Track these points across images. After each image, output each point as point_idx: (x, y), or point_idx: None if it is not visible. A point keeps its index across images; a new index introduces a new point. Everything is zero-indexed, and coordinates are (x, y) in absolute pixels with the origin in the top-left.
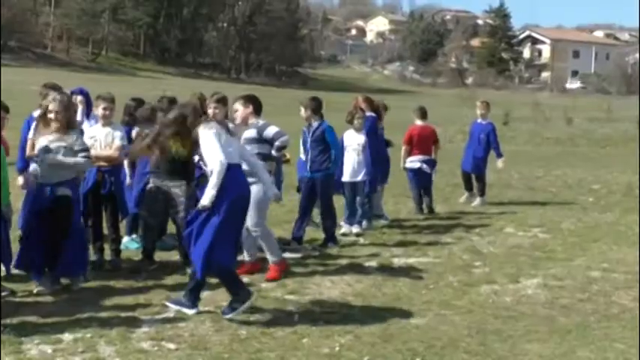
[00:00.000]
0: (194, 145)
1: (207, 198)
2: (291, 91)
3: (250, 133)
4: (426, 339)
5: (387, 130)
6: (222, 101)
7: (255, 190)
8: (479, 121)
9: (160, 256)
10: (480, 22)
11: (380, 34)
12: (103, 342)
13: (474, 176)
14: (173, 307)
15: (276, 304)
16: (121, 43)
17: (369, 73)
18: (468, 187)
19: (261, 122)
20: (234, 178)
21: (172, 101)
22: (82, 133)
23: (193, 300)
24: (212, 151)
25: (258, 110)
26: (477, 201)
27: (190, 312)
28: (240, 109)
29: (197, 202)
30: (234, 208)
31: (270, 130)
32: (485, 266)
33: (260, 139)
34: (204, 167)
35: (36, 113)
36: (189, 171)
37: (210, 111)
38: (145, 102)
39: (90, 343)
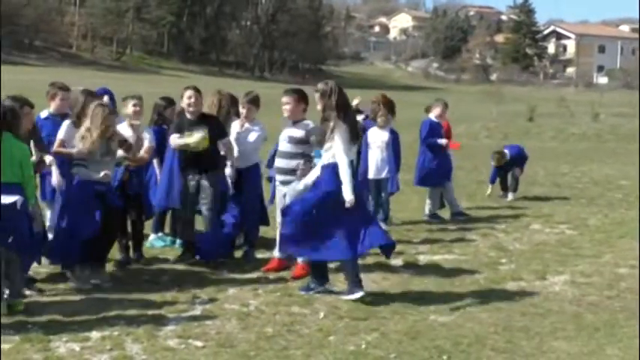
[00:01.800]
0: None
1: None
2: (315, 89)
3: (298, 133)
4: (453, 336)
5: (406, 127)
6: (255, 101)
7: (292, 185)
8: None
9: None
10: (503, 17)
11: (403, 31)
12: (130, 340)
13: (512, 172)
14: (306, 293)
15: (302, 302)
16: (145, 42)
17: (393, 70)
18: (504, 187)
19: (311, 125)
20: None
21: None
22: None
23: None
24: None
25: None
26: (511, 195)
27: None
28: (291, 104)
29: (222, 192)
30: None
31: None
32: (511, 263)
33: (306, 141)
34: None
35: (44, 114)
36: (215, 158)
37: (242, 110)
38: (175, 102)
39: (117, 341)
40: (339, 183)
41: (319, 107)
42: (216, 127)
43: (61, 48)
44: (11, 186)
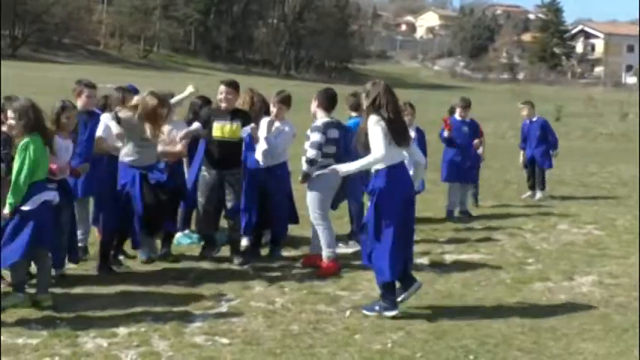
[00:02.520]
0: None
1: (345, 169)
2: (341, 87)
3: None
4: (479, 336)
5: (432, 126)
6: (286, 100)
7: (322, 180)
8: (528, 121)
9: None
10: (531, 16)
11: (430, 30)
12: (156, 336)
13: (539, 171)
14: (370, 313)
15: (328, 300)
16: (172, 40)
17: (419, 68)
18: (532, 186)
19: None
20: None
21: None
22: None
23: (391, 303)
24: (376, 141)
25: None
26: (539, 194)
27: (391, 313)
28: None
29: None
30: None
31: None
32: (538, 263)
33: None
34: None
35: None
36: (237, 157)
37: (273, 109)
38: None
39: (144, 337)
40: (391, 186)
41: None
42: (248, 122)
43: (89, 46)
44: (46, 183)
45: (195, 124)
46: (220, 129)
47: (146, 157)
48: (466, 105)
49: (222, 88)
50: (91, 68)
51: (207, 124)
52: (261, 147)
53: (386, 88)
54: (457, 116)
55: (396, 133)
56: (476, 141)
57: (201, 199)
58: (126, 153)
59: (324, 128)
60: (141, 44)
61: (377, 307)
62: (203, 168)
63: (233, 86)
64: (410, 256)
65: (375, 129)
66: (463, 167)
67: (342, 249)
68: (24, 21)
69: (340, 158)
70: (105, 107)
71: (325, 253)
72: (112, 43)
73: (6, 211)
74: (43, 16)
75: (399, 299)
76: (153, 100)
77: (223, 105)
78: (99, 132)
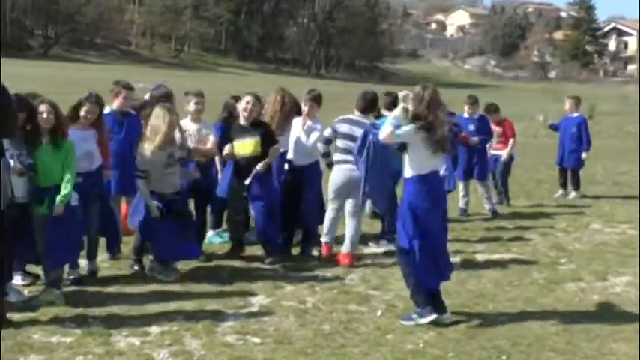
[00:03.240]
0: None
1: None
2: (372, 86)
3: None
4: (512, 336)
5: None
6: (317, 99)
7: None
8: (569, 115)
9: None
10: (563, 14)
11: (460, 28)
12: (189, 335)
13: (570, 171)
14: (408, 322)
15: (360, 299)
16: (202, 40)
17: (450, 67)
18: (563, 184)
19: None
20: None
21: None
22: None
23: (429, 309)
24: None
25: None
26: (573, 194)
27: (425, 320)
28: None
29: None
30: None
31: None
32: (571, 263)
33: None
34: None
35: (106, 110)
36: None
37: (304, 107)
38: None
39: (176, 336)
40: (423, 195)
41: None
42: (268, 133)
43: (121, 45)
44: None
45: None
46: (241, 147)
47: (167, 185)
48: (472, 102)
49: (247, 99)
50: (122, 68)
51: (230, 141)
52: (291, 147)
53: (433, 93)
54: (465, 114)
55: (434, 141)
56: (474, 139)
57: (230, 209)
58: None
59: (335, 123)
60: (172, 44)
61: (413, 316)
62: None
63: (256, 97)
64: (444, 270)
65: (409, 130)
66: (469, 166)
67: (373, 248)
68: (56, 21)
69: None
70: (142, 108)
71: (350, 244)
72: (143, 43)
73: (60, 208)
74: (75, 16)
75: (424, 320)
76: (158, 121)
77: (244, 120)
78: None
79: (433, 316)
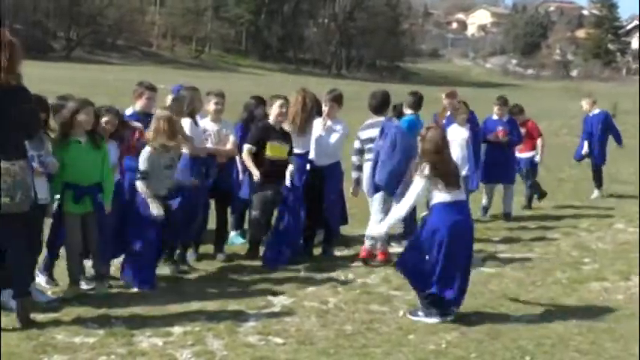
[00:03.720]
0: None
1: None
2: (393, 86)
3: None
4: (535, 337)
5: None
6: (337, 99)
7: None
8: (590, 114)
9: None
10: (585, 12)
11: (482, 27)
12: (211, 335)
13: (594, 167)
14: (414, 318)
15: (382, 300)
16: (223, 40)
17: (471, 66)
18: (599, 184)
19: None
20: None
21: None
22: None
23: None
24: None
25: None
26: (596, 193)
27: (432, 320)
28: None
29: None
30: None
31: None
32: (594, 263)
33: None
34: None
35: (129, 111)
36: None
37: (325, 108)
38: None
39: (198, 336)
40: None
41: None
42: (291, 139)
43: (142, 47)
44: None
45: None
46: (276, 149)
47: (162, 186)
48: (502, 103)
49: (280, 102)
50: (143, 69)
51: (259, 143)
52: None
53: (437, 132)
54: (494, 115)
55: (446, 176)
56: (490, 136)
57: (255, 212)
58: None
59: (358, 132)
60: (193, 45)
61: (419, 313)
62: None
63: (287, 99)
64: (456, 292)
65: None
66: (495, 167)
67: (395, 248)
68: (78, 23)
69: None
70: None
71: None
72: (164, 44)
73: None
74: (97, 18)
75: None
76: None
77: (277, 124)
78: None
79: (437, 320)
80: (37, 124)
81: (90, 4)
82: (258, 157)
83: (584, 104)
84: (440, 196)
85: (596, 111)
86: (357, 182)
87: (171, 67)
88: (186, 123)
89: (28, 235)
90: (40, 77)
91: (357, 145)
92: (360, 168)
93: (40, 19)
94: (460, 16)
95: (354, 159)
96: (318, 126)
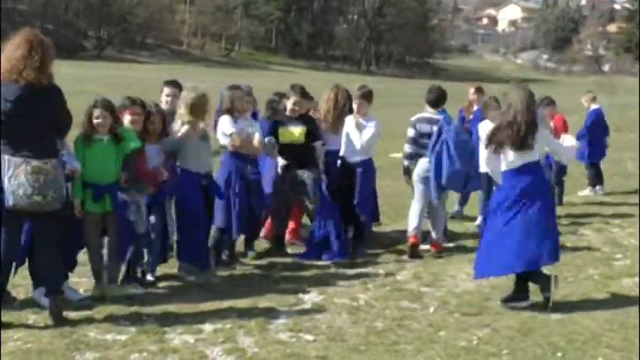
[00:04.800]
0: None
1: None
2: (422, 82)
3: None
4: (567, 333)
5: None
6: (366, 96)
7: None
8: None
9: (294, 248)
10: (617, 6)
11: (512, 23)
12: (242, 332)
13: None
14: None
15: (412, 296)
16: (253, 38)
17: (501, 62)
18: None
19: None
20: None
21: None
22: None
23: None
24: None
25: None
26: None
27: (524, 304)
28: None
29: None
30: None
31: None
32: (626, 259)
33: None
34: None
35: None
36: (312, 156)
37: (354, 105)
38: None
39: (229, 333)
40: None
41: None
42: (315, 126)
43: (172, 45)
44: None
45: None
46: (286, 133)
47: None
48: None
49: (294, 99)
50: (173, 67)
51: (274, 130)
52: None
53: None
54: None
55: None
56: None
57: (275, 202)
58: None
59: (415, 123)
60: (222, 43)
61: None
62: (278, 171)
63: (304, 96)
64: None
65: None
66: None
67: (423, 246)
68: (109, 22)
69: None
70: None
71: (435, 234)
72: (194, 43)
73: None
74: (127, 16)
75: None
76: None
77: (295, 113)
78: (228, 130)
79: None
80: (68, 123)
81: (120, 3)
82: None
83: (584, 101)
84: (508, 161)
85: (594, 107)
86: (407, 171)
87: (201, 65)
88: (224, 120)
89: (59, 234)
90: (73, 76)
91: (411, 133)
92: (411, 157)
93: (70, 19)
94: (490, 11)
95: (407, 147)
96: (349, 123)
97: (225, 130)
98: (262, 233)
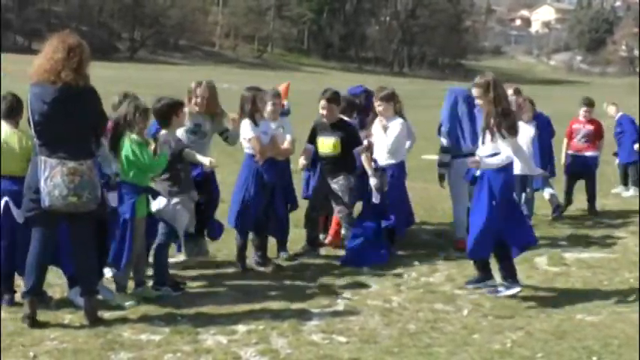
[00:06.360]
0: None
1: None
2: (455, 84)
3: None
4: (602, 337)
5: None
6: (388, 98)
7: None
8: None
9: (328, 251)
10: None
11: (546, 24)
12: (275, 334)
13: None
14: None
15: (445, 299)
16: (285, 39)
17: (535, 64)
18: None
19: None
20: None
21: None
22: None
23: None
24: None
25: None
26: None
27: (514, 290)
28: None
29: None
30: None
31: None
32: None
33: None
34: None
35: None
36: (348, 164)
37: (378, 108)
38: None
39: (262, 334)
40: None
41: (478, 102)
42: (351, 134)
43: (205, 47)
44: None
45: None
46: (321, 144)
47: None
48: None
49: (323, 103)
50: (206, 69)
51: (314, 137)
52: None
53: (496, 81)
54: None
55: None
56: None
57: (310, 207)
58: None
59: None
60: (255, 44)
61: (500, 289)
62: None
63: (334, 101)
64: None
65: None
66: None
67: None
68: (142, 24)
69: None
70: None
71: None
72: (226, 44)
73: None
74: (160, 18)
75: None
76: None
77: (325, 119)
78: (249, 134)
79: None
80: (104, 124)
81: (153, 4)
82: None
83: (611, 111)
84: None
85: (620, 114)
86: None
87: (234, 66)
88: (245, 125)
89: (94, 234)
90: (107, 78)
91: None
92: (447, 150)
93: (105, 21)
94: (524, 12)
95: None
96: (375, 127)
97: (245, 134)
98: (327, 240)
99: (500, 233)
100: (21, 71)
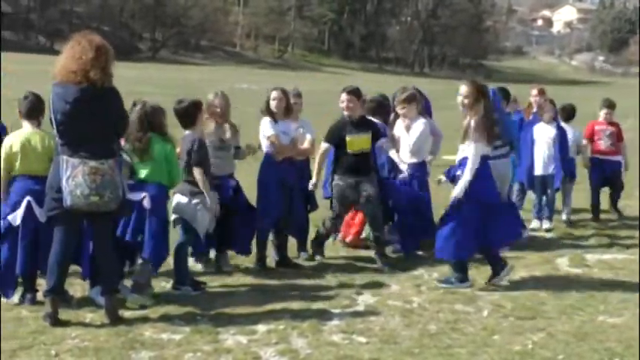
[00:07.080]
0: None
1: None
2: None
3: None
4: (624, 339)
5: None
6: (410, 99)
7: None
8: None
9: (348, 251)
10: None
11: (567, 24)
12: (295, 334)
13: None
14: (444, 286)
15: (466, 299)
16: (306, 40)
17: (556, 64)
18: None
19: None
20: None
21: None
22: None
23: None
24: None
25: None
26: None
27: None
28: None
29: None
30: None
31: None
32: None
33: None
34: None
35: None
36: (369, 164)
37: (401, 111)
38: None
39: (282, 334)
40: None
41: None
42: (376, 132)
43: (226, 47)
44: (152, 185)
45: None
46: (352, 143)
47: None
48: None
49: (344, 96)
50: (227, 69)
51: (339, 137)
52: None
53: (478, 87)
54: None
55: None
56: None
57: (334, 208)
58: None
59: None
60: (276, 44)
61: (452, 280)
62: (336, 177)
63: (354, 94)
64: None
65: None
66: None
67: None
68: (164, 24)
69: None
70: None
71: None
72: (247, 44)
73: None
74: (181, 19)
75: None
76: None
77: (346, 113)
78: (269, 132)
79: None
80: (126, 124)
81: (174, 5)
82: (339, 151)
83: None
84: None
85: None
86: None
87: (255, 67)
88: (264, 122)
89: (115, 234)
90: (129, 78)
91: None
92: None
93: (126, 21)
94: (545, 12)
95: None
96: (399, 127)
97: (264, 132)
98: (348, 238)
99: (478, 233)
100: (43, 71)
